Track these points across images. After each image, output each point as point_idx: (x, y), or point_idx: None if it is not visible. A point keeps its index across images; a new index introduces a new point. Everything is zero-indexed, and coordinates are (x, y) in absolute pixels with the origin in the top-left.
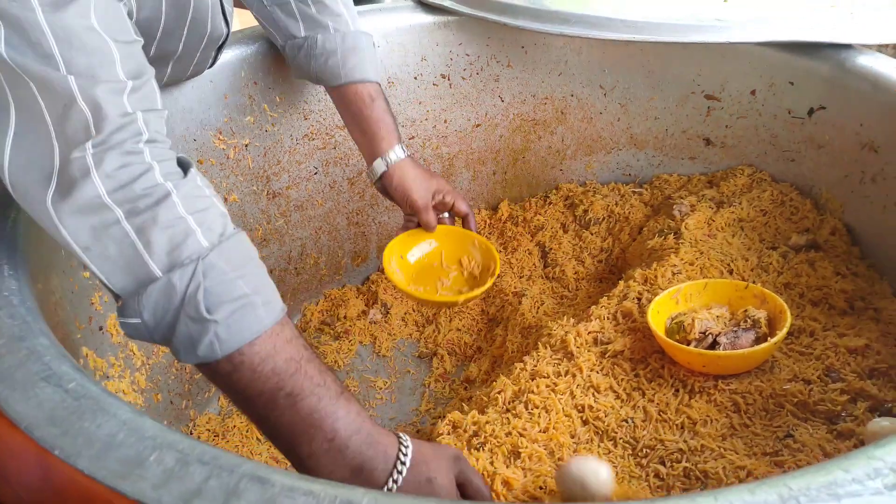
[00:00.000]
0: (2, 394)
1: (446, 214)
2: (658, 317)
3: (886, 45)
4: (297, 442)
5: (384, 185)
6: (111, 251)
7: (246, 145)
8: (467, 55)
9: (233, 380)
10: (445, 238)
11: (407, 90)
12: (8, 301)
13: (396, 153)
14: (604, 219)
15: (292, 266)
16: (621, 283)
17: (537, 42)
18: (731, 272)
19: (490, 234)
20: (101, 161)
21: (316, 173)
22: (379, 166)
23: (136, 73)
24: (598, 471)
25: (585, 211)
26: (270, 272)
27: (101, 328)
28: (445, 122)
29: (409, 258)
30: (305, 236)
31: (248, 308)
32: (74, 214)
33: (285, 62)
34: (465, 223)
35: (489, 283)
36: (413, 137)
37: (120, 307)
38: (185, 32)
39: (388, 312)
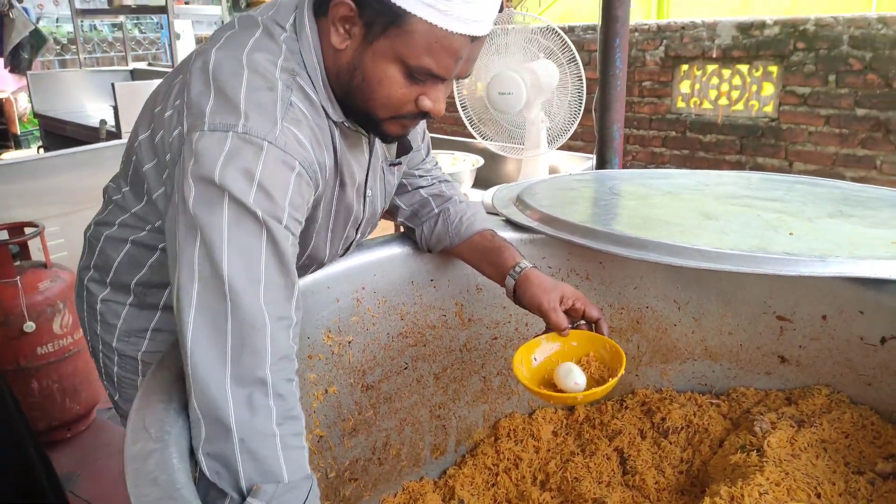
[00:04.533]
0: None
1: (583, 322)
2: None
3: None
4: None
5: (517, 297)
6: (259, 448)
7: (349, 342)
8: (549, 267)
9: None
10: (577, 341)
11: (493, 296)
12: (182, 496)
13: (521, 265)
14: (682, 428)
15: (376, 456)
16: (707, 499)
17: (614, 259)
18: (818, 496)
19: (567, 434)
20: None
21: (406, 368)
22: (509, 282)
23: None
24: None
25: (663, 419)
26: (356, 462)
27: None
28: (527, 325)
29: (533, 361)
30: (391, 427)
31: None
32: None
33: (421, 243)
34: (597, 328)
35: (610, 384)
36: (496, 338)
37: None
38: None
39: None
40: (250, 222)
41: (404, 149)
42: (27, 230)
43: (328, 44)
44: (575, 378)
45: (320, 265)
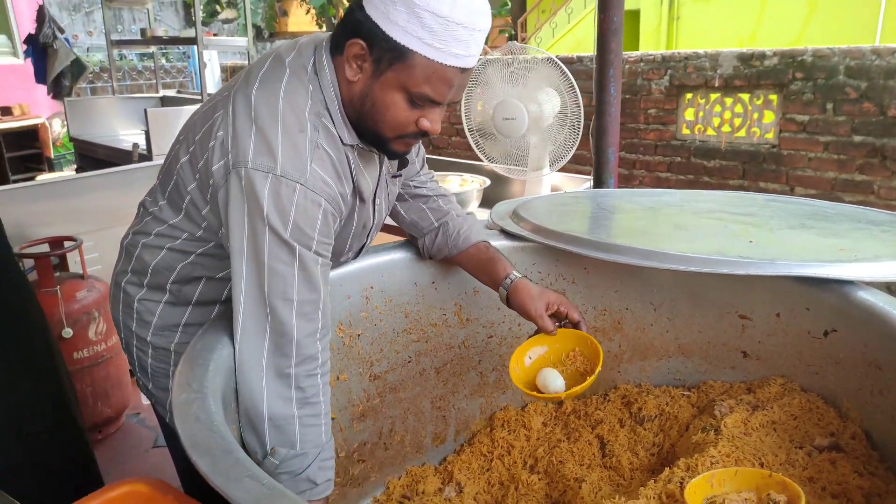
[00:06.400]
0: (225, 485)
1: (568, 321)
2: (695, 496)
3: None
4: None
5: (509, 304)
6: (283, 424)
7: (359, 335)
8: (539, 273)
9: None
10: (561, 340)
11: (489, 298)
12: (218, 429)
13: (512, 277)
14: (656, 416)
15: (382, 441)
16: (666, 469)
17: (598, 265)
18: (761, 465)
19: (556, 424)
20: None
21: (409, 361)
22: (502, 292)
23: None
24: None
25: (640, 409)
26: (364, 444)
27: None
28: (519, 325)
29: (526, 360)
30: (395, 415)
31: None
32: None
33: (423, 252)
34: (578, 329)
35: (588, 382)
36: (492, 337)
37: (279, 460)
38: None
39: (461, 491)
40: (285, 252)
41: (403, 163)
42: (66, 244)
43: (343, 78)
44: (555, 381)
45: (337, 264)
